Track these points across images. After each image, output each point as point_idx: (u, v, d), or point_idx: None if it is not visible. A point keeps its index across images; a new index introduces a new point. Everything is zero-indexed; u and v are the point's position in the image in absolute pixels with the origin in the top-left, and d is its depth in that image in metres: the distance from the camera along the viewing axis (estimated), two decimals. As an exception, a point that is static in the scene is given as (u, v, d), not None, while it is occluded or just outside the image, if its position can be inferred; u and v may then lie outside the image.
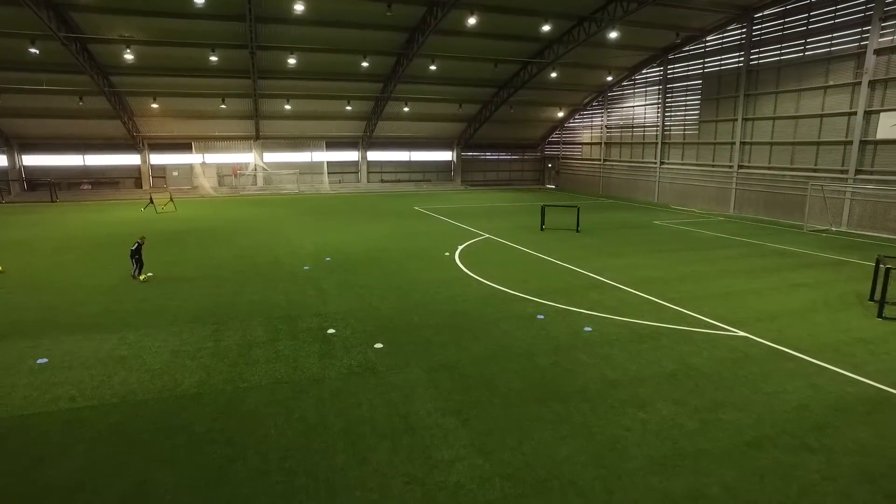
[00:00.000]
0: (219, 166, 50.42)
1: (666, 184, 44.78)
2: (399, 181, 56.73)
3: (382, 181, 56.19)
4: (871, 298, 16.08)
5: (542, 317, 14.25)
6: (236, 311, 14.70)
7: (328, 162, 52.93)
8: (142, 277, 17.97)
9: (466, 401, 9.54)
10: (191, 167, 49.61)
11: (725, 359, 11.60)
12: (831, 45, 31.00)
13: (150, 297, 15.92)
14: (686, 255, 22.72)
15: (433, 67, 40.42)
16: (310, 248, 23.41)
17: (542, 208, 30.37)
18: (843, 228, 30.29)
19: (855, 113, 29.96)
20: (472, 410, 9.19)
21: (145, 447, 8.02)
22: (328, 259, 21.35)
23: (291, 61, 37.49)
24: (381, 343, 12.26)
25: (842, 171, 30.83)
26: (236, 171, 50.29)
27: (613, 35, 35.17)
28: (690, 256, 22.54)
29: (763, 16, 34.68)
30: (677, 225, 32.08)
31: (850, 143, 30.29)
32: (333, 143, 52.91)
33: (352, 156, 54.76)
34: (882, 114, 28.88)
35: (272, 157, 51.45)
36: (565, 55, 39.51)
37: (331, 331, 13.11)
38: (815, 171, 32.30)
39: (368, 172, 55.62)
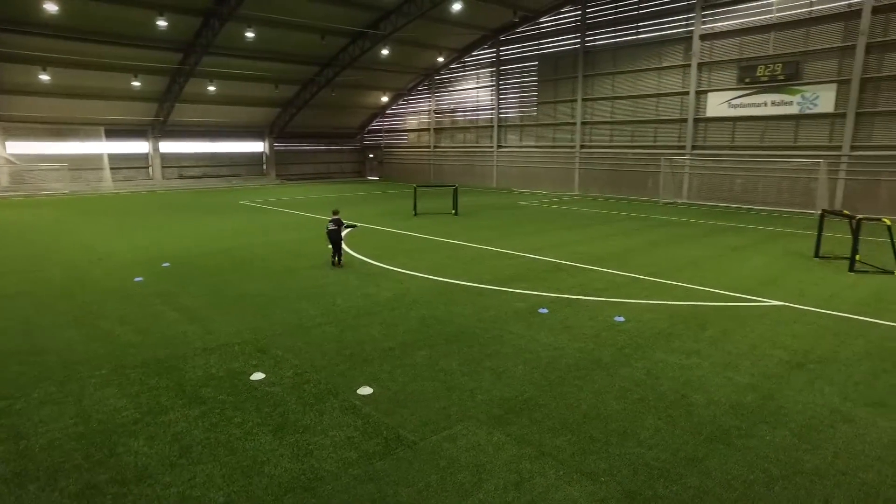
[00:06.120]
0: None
1: (504, 167, 44.03)
2: (204, 177, 47.34)
3: (182, 177, 46.26)
4: (816, 255, 15.48)
5: (545, 310, 10.35)
6: (42, 361, 7.96)
7: (109, 154, 41.47)
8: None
9: (633, 487, 5.19)
10: None
11: (820, 334, 9.04)
12: (662, 29, 32.47)
13: None
14: (595, 231, 20.80)
15: (250, 35, 33.41)
16: (127, 255, 16.00)
17: (415, 190, 26.41)
18: (685, 200, 31.95)
19: (687, 92, 31.73)
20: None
21: None
22: (166, 265, 14.53)
23: (51, 8, 27.31)
24: (367, 386, 7.11)
25: (679, 147, 32.54)
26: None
27: (457, 7, 32.70)
28: (601, 231, 20.67)
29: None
30: (544, 204, 30.79)
31: (685, 120, 32.07)
32: (115, 132, 41.59)
33: (140, 147, 43.87)
34: (710, 93, 30.94)
35: (23, 147, 38.31)
36: (404, 27, 35.86)
37: (257, 376, 7.46)
38: (654, 147, 33.71)
39: (163, 167, 45.20)
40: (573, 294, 11.55)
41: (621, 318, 9.85)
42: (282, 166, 52.54)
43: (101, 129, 40.44)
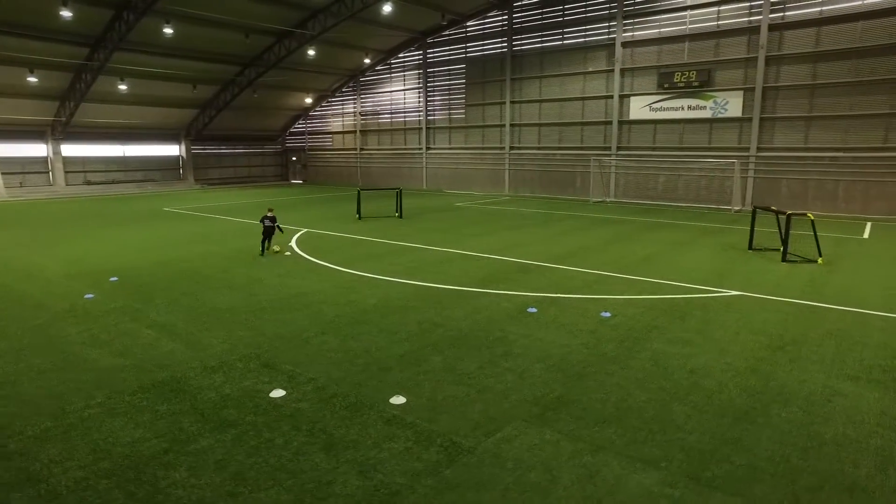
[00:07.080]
0: None
1: (434, 169, 44.34)
2: (114, 182, 43.93)
3: (89, 182, 42.65)
4: (750, 247, 17.01)
5: (534, 310, 10.69)
6: (16, 393, 7.19)
7: (0, 158, 37.44)
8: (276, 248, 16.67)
9: (691, 469, 5.55)
10: None
11: (785, 319, 10.01)
12: (586, 36, 34.10)
13: None
14: (542, 231, 21.57)
15: (168, 31, 31.45)
16: (58, 270, 14.63)
17: (359, 193, 26.12)
18: (613, 198, 33.79)
19: (611, 96, 33.56)
20: None
21: None
22: (114, 279, 13.46)
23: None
24: (398, 395, 7.06)
25: (605, 149, 34.34)
26: None
27: (388, 9, 32.64)
28: (548, 231, 21.47)
29: (522, 5, 36.42)
30: (481, 205, 31.39)
31: (610, 123, 33.89)
32: (6, 132, 37.56)
33: (38, 149, 39.95)
34: (632, 97, 32.93)
35: None
36: (334, 28, 35.23)
37: (277, 393, 7.18)
38: (581, 148, 35.35)
39: (67, 172, 41.42)
40: (553, 293, 11.98)
41: (608, 314, 10.38)
42: (200, 170, 49.89)
43: (-9, 129, 36.41)
